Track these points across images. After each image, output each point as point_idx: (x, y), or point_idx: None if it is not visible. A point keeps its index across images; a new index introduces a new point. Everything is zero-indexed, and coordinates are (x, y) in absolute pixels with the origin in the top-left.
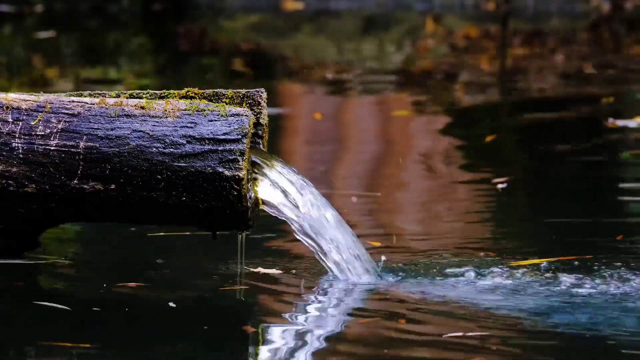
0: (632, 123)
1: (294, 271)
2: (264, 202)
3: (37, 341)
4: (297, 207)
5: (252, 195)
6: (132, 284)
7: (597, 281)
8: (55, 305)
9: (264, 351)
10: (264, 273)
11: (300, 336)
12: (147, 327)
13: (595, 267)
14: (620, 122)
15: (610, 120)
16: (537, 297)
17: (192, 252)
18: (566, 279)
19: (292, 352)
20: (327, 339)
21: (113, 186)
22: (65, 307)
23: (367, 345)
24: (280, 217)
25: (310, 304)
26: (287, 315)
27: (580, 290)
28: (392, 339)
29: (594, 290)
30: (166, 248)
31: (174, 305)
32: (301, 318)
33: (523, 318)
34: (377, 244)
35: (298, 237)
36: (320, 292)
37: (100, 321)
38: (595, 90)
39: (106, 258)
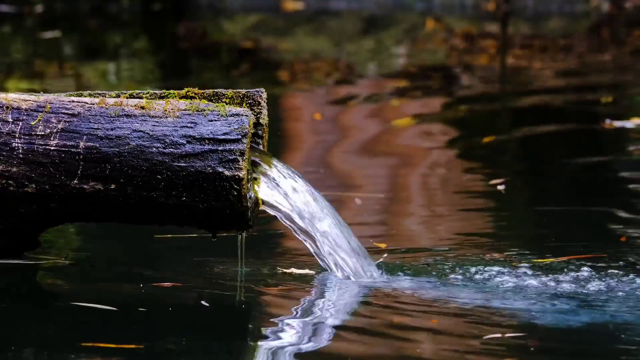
0: (629, 124)
1: (297, 271)
2: (264, 202)
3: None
4: (296, 207)
5: (252, 195)
6: (134, 283)
7: (615, 280)
8: (97, 305)
9: (277, 349)
10: (297, 273)
11: (317, 337)
12: (178, 326)
13: (613, 265)
14: (618, 123)
15: (607, 121)
16: (562, 297)
17: (193, 252)
18: (586, 278)
19: (311, 352)
20: (360, 341)
21: (113, 186)
22: (111, 308)
23: (401, 348)
24: (280, 217)
25: (318, 305)
26: (302, 314)
27: (604, 289)
28: (423, 340)
29: (615, 289)
30: (169, 246)
31: (207, 305)
32: (311, 319)
33: (548, 319)
34: (383, 245)
35: (298, 237)
36: (327, 293)
37: (112, 320)
38: (595, 90)
39: (108, 257)
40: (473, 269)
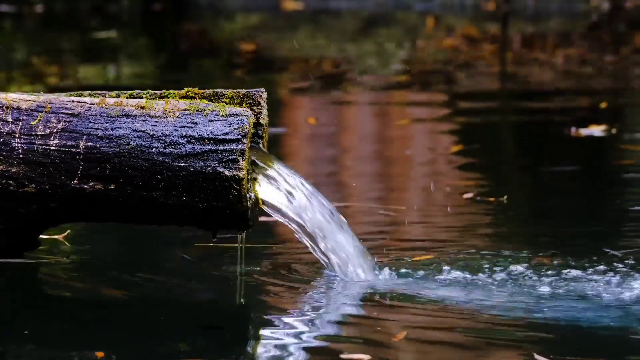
0: (597, 132)
1: (298, 271)
2: (264, 202)
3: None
4: (296, 206)
5: (252, 195)
6: (134, 282)
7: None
8: None
9: (270, 349)
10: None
11: (316, 337)
12: (177, 325)
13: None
14: (585, 131)
15: (573, 129)
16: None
17: (193, 251)
18: (585, 279)
19: (310, 352)
20: (360, 341)
21: (113, 186)
22: (111, 307)
23: (401, 348)
24: (279, 217)
25: (318, 305)
26: (302, 314)
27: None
28: (423, 341)
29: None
30: (169, 246)
31: (207, 304)
32: (311, 319)
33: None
34: (419, 257)
35: (298, 237)
36: (326, 292)
37: (112, 319)
38: (594, 91)
39: (107, 257)
40: (477, 270)
